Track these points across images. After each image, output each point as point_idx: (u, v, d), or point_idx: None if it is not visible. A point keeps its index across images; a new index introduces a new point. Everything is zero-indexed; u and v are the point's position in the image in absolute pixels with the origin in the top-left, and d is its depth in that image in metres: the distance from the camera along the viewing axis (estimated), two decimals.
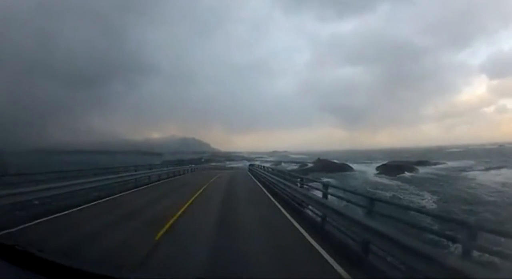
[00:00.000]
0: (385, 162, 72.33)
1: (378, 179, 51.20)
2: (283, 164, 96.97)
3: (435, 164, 72.18)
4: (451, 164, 73.01)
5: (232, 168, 59.16)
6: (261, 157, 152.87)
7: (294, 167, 77.17)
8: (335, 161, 73.44)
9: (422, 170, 60.84)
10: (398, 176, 53.71)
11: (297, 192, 10.85)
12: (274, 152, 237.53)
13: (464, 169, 61.48)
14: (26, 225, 7.35)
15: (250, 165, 41.88)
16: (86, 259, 4.64)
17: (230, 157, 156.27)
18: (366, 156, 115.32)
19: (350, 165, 70.09)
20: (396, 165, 62.18)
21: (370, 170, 64.90)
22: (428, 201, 33.58)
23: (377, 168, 64.63)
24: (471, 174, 54.45)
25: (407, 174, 55.24)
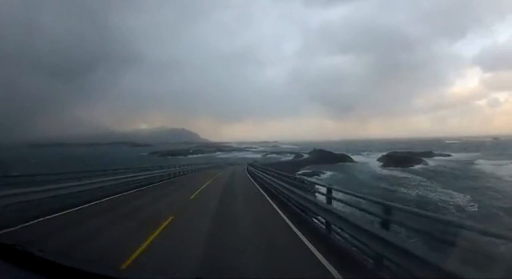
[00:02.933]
0: (384, 153, 65.44)
1: (387, 172, 43.19)
2: (275, 155, 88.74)
3: (440, 155, 65.11)
4: (455, 155, 66.33)
5: (222, 165, 44.13)
6: (252, 148, 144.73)
7: (289, 158, 69.21)
8: (333, 151, 65.01)
9: (430, 162, 53.31)
10: (407, 168, 45.91)
11: None
12: (264, 142, 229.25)
13: (473, 162, 54.40)
14: None
15: (249, 165, 32.07)
16: None
17: (219, 147, 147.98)
18: (359, 146, 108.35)
19: (350, 155, 62.03)
20: (401, 156, 54.39)
21: (372, 161, 57.23)
22: (462, 201, 26.39)
23: (380, 159, 57.00)
24: (485, 167, 47.39)
25: (417, 167, 47.49)
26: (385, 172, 43.32)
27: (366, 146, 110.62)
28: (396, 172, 42.03)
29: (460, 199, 27.09)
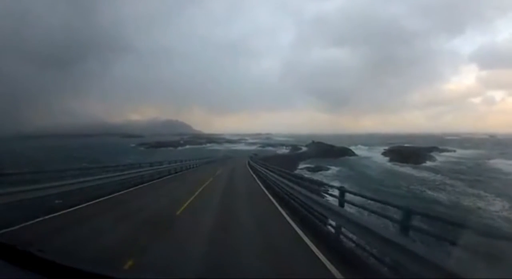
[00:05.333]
0: (386, 147, 60.55)
1: (398, 168, 37.64)
2: (270, 148, 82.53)
3: (444, 151, 60.10)
4: (460, 151, 61.64)
5: (213, 160, 35.10)
6: (245, 140, 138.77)
7: (285, 150, 63.33)
8: (333, 144, 59.21)
9: (439, 158, 48.19)
10: (419, 165, 40.55)
11: None
12: (257, 134, 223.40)
13: (483, 159, 49.72)
14: None
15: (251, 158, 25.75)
16: None
17: (211, 139, 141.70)
18: (355, 141, 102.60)
19: (352, 149, 56.48)
20: (407, 151, 49.02)
21: (376, 156, 51.76)
22: (503, 208, 21.46)
23: (384, 154, 51.70)
24: (503, 167, 42.52)
25: (429, 163, 42.15)
26: (397, 168, 37.72)
27: (362, 140, 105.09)
28: (410, 169, 36.50)
29: (499, 205, 22.09)
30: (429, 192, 24.34)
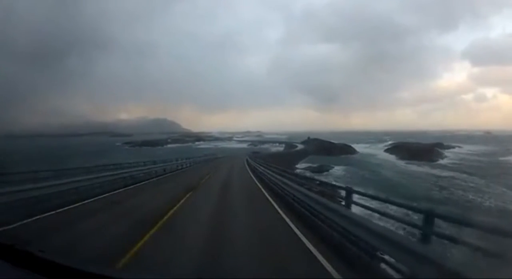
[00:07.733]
0: (386, 144, 56.24)
1: (415, 167, 32.51)
2: (265, 145, 76.93)
3: (450, 147, 55.95)
4: (467, 147, 57.89)
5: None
6: (235, 138, 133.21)
7: (280, 148, 57.93)
8: (332, 141, 54.06)
9: (449, 155, 43.77)
10: (433, 162, 35.82)
11: None
12: (247, 132, 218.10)
13: (495, 155, 45.81)
14: None
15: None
16: None
17: (200, 137, 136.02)
18: (349, 138, 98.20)
19: (353, 146, 51.51)
20: (414, 148, 44.24)
21: (380, 153, 46.96)
22: None
23: (388, 151, 47.03)
24: None
25: (442, 161, 37.50)
26: (414, 167, 32.55)
27: (355, 138, 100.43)
28: (428, 168, 31.46)
29: None
30: (469, 195, 19.27)
